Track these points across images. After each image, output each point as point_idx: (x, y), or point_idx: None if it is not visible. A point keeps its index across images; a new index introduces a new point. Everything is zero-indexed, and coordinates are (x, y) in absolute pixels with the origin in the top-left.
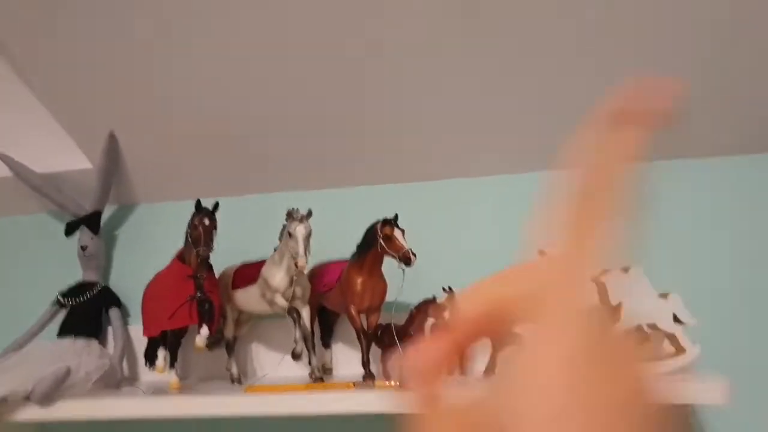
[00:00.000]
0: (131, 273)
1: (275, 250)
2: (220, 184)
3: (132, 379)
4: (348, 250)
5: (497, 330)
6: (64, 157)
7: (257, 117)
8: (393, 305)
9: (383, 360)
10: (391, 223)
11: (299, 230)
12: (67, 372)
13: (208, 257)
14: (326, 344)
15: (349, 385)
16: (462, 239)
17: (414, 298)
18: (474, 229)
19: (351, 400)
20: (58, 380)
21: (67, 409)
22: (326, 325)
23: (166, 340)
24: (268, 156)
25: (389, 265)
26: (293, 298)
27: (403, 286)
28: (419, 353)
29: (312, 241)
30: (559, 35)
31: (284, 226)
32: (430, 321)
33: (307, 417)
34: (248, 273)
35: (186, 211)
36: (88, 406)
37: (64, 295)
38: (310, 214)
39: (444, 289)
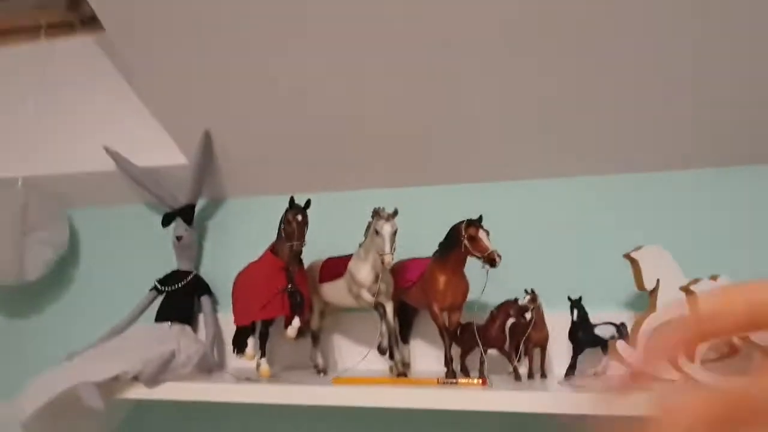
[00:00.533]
0: (220, 263)
1: (360, 246)
2: (306, 180)
3: (220, 364)
4: (429, 248)
5: (757, 328)
6: (163, 153)
7: (347, 117)
8: (475, 305)
9: (462, 358)
10: (476, 224)
11: (386, 228)
12: (172, 355)
13: (300, 251)
14: (405, 340)
15: (433, 381)
16: (541, 241)
17: (494, 299)
18: (554, 230)
19: (437, 396)
20: (164, 362)
21: (168, 390)
22: (405, 320)
23: (255, 329)
24: (356, 155)
25: (471, 265)
26: (378, 293)
27: (485, 286)
28: (665, 337)
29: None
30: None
31: (370, 224)
32: (511, 321)
33: (393, 410)
34: (335, 267)
35: (273, 206)
36: (186, 388)
37: (161, 282)
38: (396, 213)
39: (526, 292)
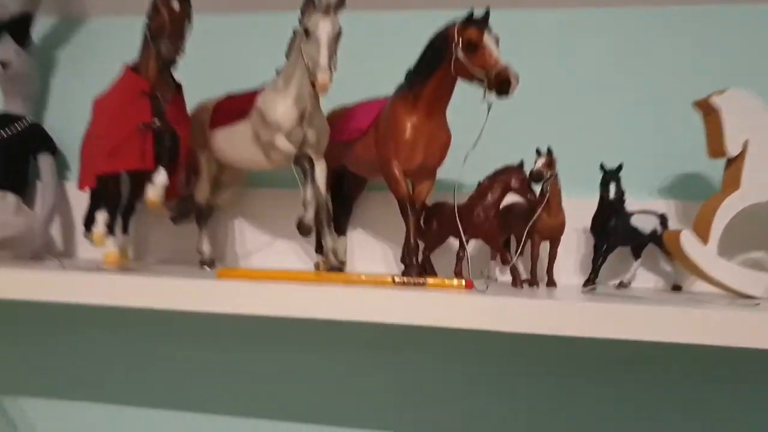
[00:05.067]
0: (74, 109)
1: (277, 73)
2: None
3: (67, 254)
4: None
5: None
6: None
7: None
8: (461, 166)
9: (425, 254)
10: (479, 23)
11: (322, 26)
12: None
13: (174, 60)
14: (340, 230)
15: (386, 280)
16: (561, 88)
17: (483, 169)
18: (577, 74)
19: (391, 301)
20: None
21: None
22: (343, 201)
23: (117, 198)
24: None
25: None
26: (304, 143)
27: (482, 133)
28: None
29: (340, 49)
30: None
31: (295, 35)
32: (508, 199)
33: (313, 323)
34: (236, 105)
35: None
36: None
37: None
38: (341, 2)
39: (539, 152)
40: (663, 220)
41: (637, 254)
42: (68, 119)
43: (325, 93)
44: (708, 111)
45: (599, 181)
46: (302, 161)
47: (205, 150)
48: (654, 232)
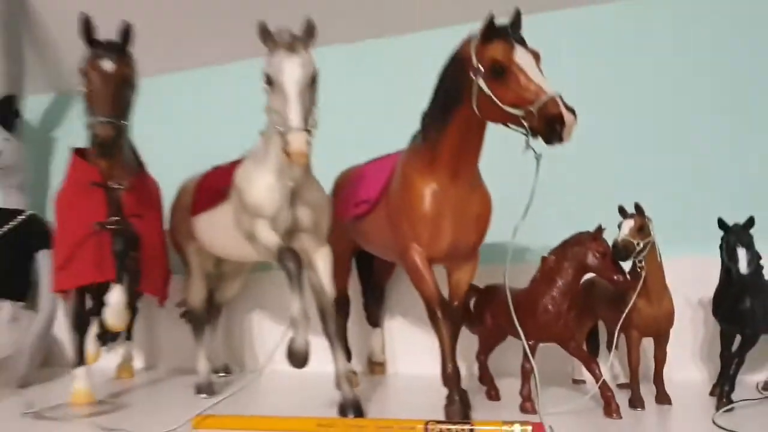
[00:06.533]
0: None
1: (261, 135)
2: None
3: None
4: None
5: None
6: None
7: None
8: (509, 248)
9: (482, 356)
10: (505, 34)
11: (288, 70)
12: None
13: (113, 138)
14: (374, 321)
15: (413, 427)
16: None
17: (546, 235)
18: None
19: None
20: None
21: None
22: (371, 282)
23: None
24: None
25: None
26: (294, 230)
27: (531, 200)
28: None
29: (318, 96)
30: None
31: (268, 79)
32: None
33: None
34: (216, 182)
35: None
36: None
37: None
38: (310, 32)
39: (623, 211)
40: None
41: None
42: None
43: (302, 162)
44: None
45: (718, 243)
46: (285, 258)
47: (192, 241)
48: None
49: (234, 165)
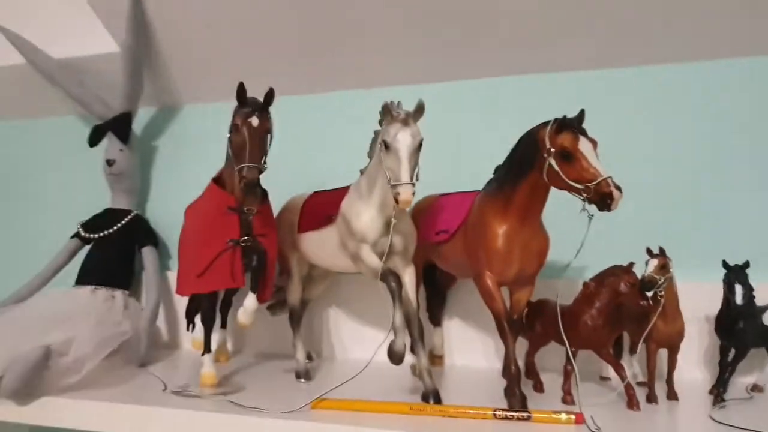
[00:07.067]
0: (173, 198)
1: (362, 173)
2: (293, 76)
3: (172, 346)
4: (481, 179)
5: None
6: (86, 38)
7: None
8: (561, 272)
9: (530, 356)
10: (574, 126)
11: (402, 139)
12: (45, 355)
13: (257, 180)
14: (436, 321)
15: (485, 413)
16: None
17: (590, 265)
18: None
19: None
20: (33, 367)
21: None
22: (435, 292)
23: (216, 296)
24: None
25: (557, 205)
26: (390, 252)
27: (584, 242)
28: None
29: (422, 156)
30: None
31: (377, 134)
32: (620, 301)
33: None
34: (322, 207)
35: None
36: (46, 408)
37: (86, 226)
38: (420, 110)
39: (650, 252)
40: None
41: None
42: (169, 211)
43: (407, 208)
44: None
45: (722, 276)
46: (389, 279)
47: (295, 252)
48: None
49: (337, 194)
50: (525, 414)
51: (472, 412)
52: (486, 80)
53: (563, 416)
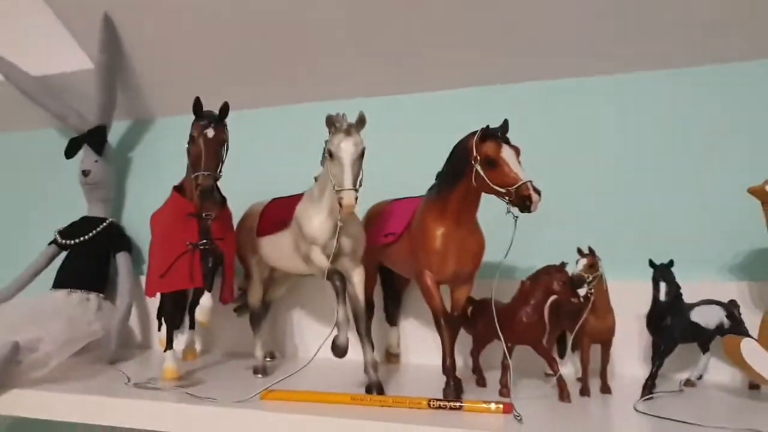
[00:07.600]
0: (147, 206)
1: (316, 180)
2: (255, 92)
3: (144, 346)
4: (423, 185)
5: None
6: (61, 56)
7: None
8: (496, 271)
9: (475, 354)
10: (497, 135)
11: (344, 148)
12: (14, 350)
13: (212, 186)
14: (392, 320)
15: (421, 402)
16: (598, 168)
17: (526, 263)
18: (618, 149)
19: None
20: (2, 360)
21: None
22: (391, 294)
23: (164, 313)
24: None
25: (489, 207)
26: (338, 254)
27: (512, 243)
28: None
29: (365, 164)
30: None
31: (325, 144)
32: (553, 299)
33: None
34: (280, 212)
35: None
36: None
37: (63, 233)
38: (362, 121)
39: (581, 251)
40: (729, 310)
41: (704, 348)
42: (143, 215)
43: (350, 212)
44: (765, 198)
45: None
46: (334, 278)
47: (254, 255)
48: (721, 326)
49: (293, 200)
50: (457, 404)
51: (408, 401)
52: (438, 93)
53: (492, 406)
